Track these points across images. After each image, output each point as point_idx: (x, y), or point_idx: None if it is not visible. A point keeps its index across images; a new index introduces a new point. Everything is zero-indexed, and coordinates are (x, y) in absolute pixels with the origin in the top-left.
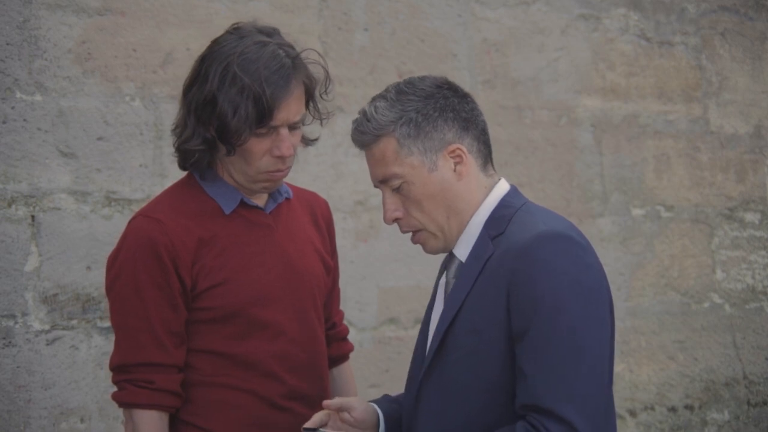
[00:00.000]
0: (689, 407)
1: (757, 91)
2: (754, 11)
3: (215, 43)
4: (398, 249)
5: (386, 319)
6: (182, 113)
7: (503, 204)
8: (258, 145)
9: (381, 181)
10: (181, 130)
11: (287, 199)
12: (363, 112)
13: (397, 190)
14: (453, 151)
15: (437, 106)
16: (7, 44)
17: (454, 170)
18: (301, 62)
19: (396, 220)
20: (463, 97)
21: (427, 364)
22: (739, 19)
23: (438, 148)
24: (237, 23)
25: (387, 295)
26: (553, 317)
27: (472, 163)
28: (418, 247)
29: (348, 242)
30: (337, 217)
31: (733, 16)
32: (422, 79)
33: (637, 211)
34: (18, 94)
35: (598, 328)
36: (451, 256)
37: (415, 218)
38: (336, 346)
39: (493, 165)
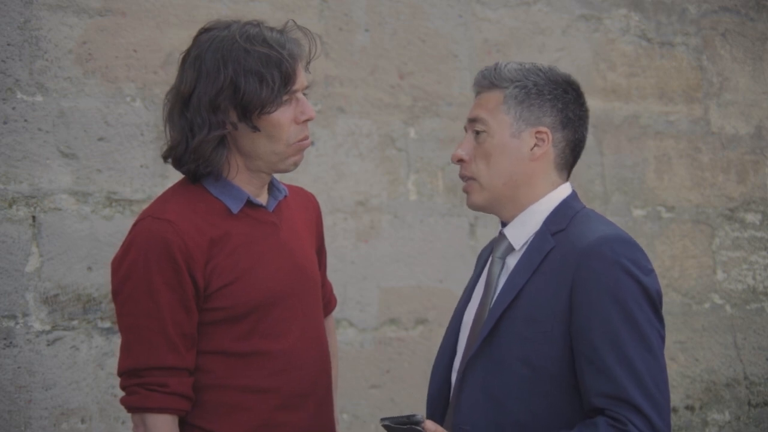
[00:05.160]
0: (690, 408)
1: (757, 92)
2: (755, 12)
3: (198, 45)
4: (399, 249)
5: (387, 319)
6: (182, 123)
7: (566, 203)
8: (283, 115)
9: (470, 120)
10: (186, 138)
11: (285, 196)
12: (495, 64)
13: (476, 137)
14: (540, 133)
15: (554, 93)
16: (8, 45)
17: (531, 149)
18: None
19: (460, 161)
20: (580, 104)
21: (479, 344)
22: (740, 19)
23: (531, 123)
24: (202, 27)
25: (388, 296)
26: (621, 314)
27: (549, 154)
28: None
29: (349, 242)
30: (337, 218)
31: (734, 16)
32: (559, 70)
33: (638, 212)
34: (19, 95)
35: (658, 331)
36: (500, 237)
37: (476, 167)
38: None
39: (569, 175)
